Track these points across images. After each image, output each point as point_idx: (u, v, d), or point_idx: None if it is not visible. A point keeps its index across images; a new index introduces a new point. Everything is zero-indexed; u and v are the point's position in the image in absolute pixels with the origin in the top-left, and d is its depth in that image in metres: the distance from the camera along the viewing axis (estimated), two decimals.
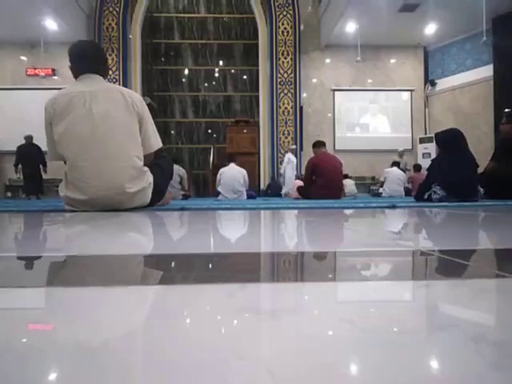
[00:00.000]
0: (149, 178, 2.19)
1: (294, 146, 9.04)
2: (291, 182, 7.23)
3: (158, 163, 2.38)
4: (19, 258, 0.69)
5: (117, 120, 2.03)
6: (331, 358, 0.25)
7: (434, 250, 0.74)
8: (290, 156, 8.36)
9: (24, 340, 0.29)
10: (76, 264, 0.63)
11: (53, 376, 0.23)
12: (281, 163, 9.91)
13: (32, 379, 0.22)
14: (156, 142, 2.25)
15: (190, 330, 0.31)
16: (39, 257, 0.69)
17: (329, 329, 0.30)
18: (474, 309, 0.37)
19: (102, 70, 2.18)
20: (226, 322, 0.32)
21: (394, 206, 2.39)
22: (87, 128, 1.98)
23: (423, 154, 10.52)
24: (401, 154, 9.49)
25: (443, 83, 10.62)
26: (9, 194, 9.87)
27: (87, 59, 2.13)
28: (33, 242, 0.96)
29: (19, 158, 7.85)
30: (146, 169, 2.19)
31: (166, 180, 2.50)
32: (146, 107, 2.21)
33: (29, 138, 7.89)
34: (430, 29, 9.61)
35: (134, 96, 2.15)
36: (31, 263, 0.64)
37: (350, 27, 9.53)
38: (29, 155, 7.65)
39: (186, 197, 6.09)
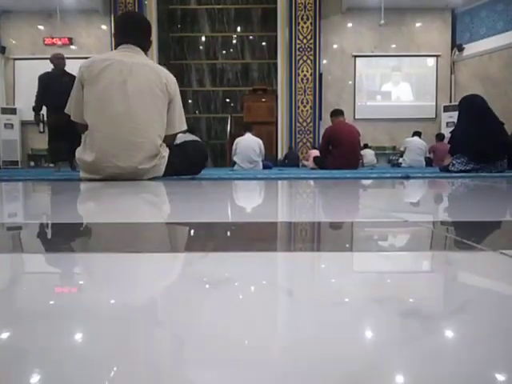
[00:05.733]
0: (163, 153, 2.20)
1: None
2: None
3: (182, 144, 2.41)
4: (41, 226, 0.72)
5: (148, 98, 2.08)
6: (345, 324, 0.26)
7: (446, 222, 0.73)
8: None
9: (51, 302, 0.31)
10: (97, 231, 0.66)
11: (78, 336, 0.25)
12: (300, 133, 9.77)
13: (57, 339, 0.24)
14: (180, 125, 2.29)
15: (207, 296, 0.32)
16: (61, 224, 0.73)
17: (344, 297, 0.32)
18: (492, 279, 0.37)
19: (144, 43, 2.22)
20: (243, 289, 0.34)
21: (408, 177, 2.37)
22: (119, 99, 2.03)
23: (447, 123, 10.17)
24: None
25: (471, 48, 10.08)
26: (32, 164, 10.13)
27: (131, 30, 2.18)
28: (52, 210, 1.00)
29: (43, 94, 4.44)
30: (163, 146, 2.21)
31: (185, 164, 2.34)
32: (178, 90, 2.27)
33: (59, 59, 4.53)
34: None
35: (170, 78, 2.20)
36: (54, 230, 0.67)
37: None
38: (60, 90, 3.83)
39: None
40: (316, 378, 0.19)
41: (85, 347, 0.24)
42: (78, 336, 0.25)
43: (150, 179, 2.15)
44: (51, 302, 0.31)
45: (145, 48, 2.22)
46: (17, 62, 10.20)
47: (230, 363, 0.21)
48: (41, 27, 10.17)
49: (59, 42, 10.05)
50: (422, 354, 0.21)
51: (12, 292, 0.35)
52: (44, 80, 4.56)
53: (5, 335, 0.25)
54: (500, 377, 0.19)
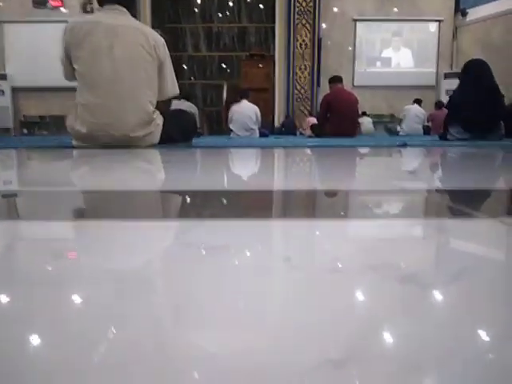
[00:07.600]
0: (157, 120, 2.16)
1: None
2: None
3: (174, 115, 2.35)
4: (39, 193, 0.71)
5: (136, 62, 2.01)
6: (342, 290, 0.26)
7: (444, 190, 0.73)
8: None
9: (49, 268, 0.32)
10: (93, 199, 0.65)
11: (78, 299, 0.26)
12: (297, 100, 9.60)
13: (58, 303, 0.24)
14: (172, 89, 2.22)
15: (203, 262, 0.32)
16: (55, 191, 0.72)
17: (341, 263, 0.32)
18: (491, 246, 0.37)
19: (129, 3, 2.12)
20: (239, 255, 0.34)
21: (405, 145, 2.37)
22: (107, 65, 1.96)
23: (447, 91, 10.01)
24: None
25: (475, 13, 9.76)
26: (25, 131, 9.96)
27: None
28: (46, 178, 0.99)
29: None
30: (157, 113, 2.16)
31: (179, 133, 2.29)
32: (168, 53, 2.17)
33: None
34: None
35: (158, 39, 2.11)
36: (48, 198, 0.67)
37: None
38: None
39: (198, 134, 6.05)
40: (313, 341, 0.19)
41: (82, 313, 0.24)
42: (77, 301, 0.25)
43: (145, 147, 2.13)
44: (49, 268, 0.31)
45: (130, 9, 2.12)
46: (5, 25, 9.79)
47: (228, 326, 0.21)
48: None
49: (49, 5, 9.61)
50: (419, 318, 0.22)
51: (9, 258, 0.35)
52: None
53: (4, 299, 0.25)
54: (496, 340, 0.20)
